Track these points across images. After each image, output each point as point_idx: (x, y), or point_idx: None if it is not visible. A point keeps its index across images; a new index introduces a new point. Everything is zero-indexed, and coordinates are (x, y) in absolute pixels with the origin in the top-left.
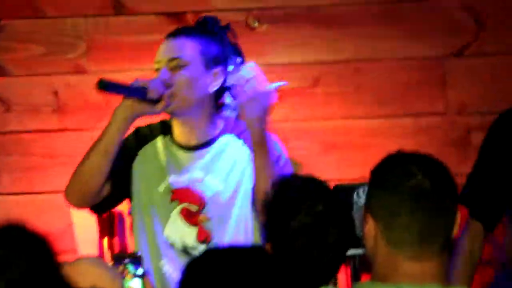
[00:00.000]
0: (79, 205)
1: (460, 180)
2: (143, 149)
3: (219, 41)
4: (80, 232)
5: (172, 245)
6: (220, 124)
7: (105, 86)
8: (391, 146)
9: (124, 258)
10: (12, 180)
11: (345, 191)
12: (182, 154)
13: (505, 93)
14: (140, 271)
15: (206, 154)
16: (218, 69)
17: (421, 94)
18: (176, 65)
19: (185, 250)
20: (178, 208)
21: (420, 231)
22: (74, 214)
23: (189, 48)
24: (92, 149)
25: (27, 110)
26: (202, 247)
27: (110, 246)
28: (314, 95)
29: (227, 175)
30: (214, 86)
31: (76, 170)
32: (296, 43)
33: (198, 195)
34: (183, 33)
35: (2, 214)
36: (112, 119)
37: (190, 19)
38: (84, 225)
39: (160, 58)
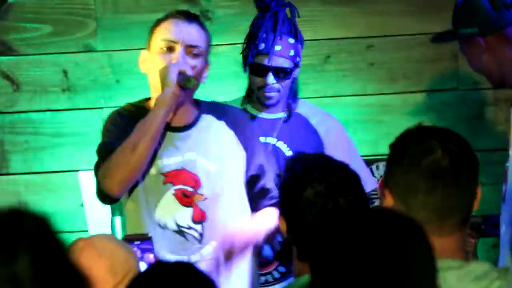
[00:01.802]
0: (120, 194)
1: None
2: None
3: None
4: (92, 212)
5: (164, 227)
6: (197, 104)
7: None
8: (403, 122)
9: (135, 240)
10: (23, 160)
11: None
12: (171, 135)
13: None
14: (151, 253)
15: (192, 134)
16: (209, 61)
17: (433, 70)
18: (193, 52)
19: (180, 231)
20: (172, 190)
21: (438, 208)
22: (85, 193)
23: (203, 40)
24: (140, 138)
25: (37, 90)
26: (198, 227)
27: (122, 226)
28: (325, 72)
29: (217, 156)
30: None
31: (121, 160)
32: (306, 20)
33: (193, 176)
34: (196, 20)
35: (12, 195)
36: (159, 107)
37: None
38: (95, 205)
39: (177, 39)
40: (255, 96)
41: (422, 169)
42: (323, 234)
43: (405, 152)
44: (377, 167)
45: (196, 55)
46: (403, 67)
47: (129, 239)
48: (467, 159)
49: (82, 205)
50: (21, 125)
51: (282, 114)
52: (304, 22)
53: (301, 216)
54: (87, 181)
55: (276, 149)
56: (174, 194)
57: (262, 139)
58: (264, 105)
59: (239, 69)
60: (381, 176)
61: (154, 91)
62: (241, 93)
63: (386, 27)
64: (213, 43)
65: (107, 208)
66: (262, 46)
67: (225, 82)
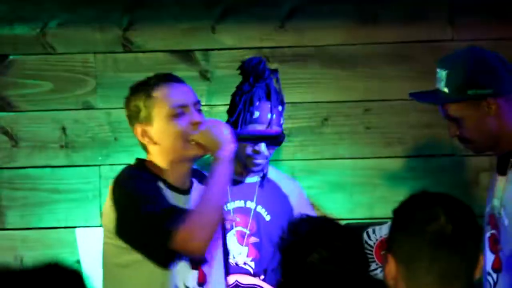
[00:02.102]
0: (203, 252)
1: None
2: None
3: None
4: (89, 268)
5: None
6: None
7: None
8: (399, 187)
9: None
10: (20, 216)
11: (354, 231)
12: (177, 197)
13: None
14: None
15: (191, 199)
16: None
17: (430, 135)
18: (199, 109)
19: None
20: None
21: (440, 276)
22: (82, 250)
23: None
24: (219, 196)
25: (35, 146)
26: None
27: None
28: (323, 134)
29: None
30: None
31: (207, 220)
32: (305, 82)
33: None
34: (181, 79)
35: (9, 250)
36: (226, 164)
37: (199, 57)
38: (92, 261)
39: (186, 100)
40: (239, 161)
41: (425, 237)
42: None
43: (410, 218)
44: (374, 231)
45: (200, 111)
46: (400, 131)
47: None
48: (471, 227)
49: (78, 261)
50: (19, 181)
51: (256, 178)
52: (303, 84)
53: (304, 280)
54: (85, 237)
55: (257, 214)
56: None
57: (241, 203)
58: (248, 171)
59: None
60: (377, 240)
61: (168, 156)
62: None
63: (383, 91)
64: (212, 103)
65: None
66: (257, 114)
67: None
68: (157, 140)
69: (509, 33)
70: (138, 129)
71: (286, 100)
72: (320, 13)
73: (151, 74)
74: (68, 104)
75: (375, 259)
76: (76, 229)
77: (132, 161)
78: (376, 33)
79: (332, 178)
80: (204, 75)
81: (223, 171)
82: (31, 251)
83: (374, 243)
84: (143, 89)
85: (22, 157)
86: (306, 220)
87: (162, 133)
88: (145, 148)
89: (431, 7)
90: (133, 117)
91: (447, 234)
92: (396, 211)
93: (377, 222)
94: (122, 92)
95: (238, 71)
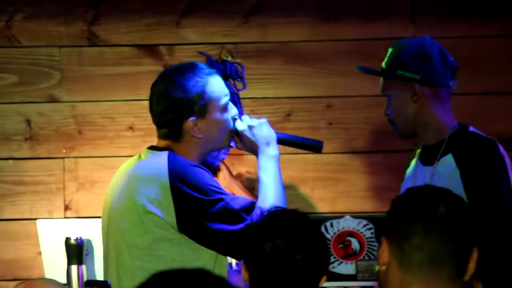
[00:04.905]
0: None
1: None
2: None
3: None
4: (49, 260)
5: None
6: None
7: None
8: (360, 182)
9: (94, 285)
10: None
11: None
12: None
13: None
14: None
15: None
16: None
17: (390, 131)
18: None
19: None
20: None
21: (430, 252)
22: (43, 241)
23: None
24: (279, 186)
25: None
26: None
27: (79, 274)
28: (285, 130)
29: None
30: None
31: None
32: (268, 78)
33: None
34: None
35: None
36: (274, 158)
37: (163, 52)
38: (52, 253)
39: (229, 95)
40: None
41: (420, 215)
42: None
43: (406, 203)
44: (332, 224)
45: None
46: (361, 127)
47: (88, 283)
48: (465, 216)
49: (40, 253)
50: None
51: None
52: (266, 79)
53: (260, 268)
54: (46, 229)
55: None
56: None
57: None
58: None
59: None
60: (334, 233)
61: (204, 147)
62: None
63: (345, 88)
64: None
65: (64, 256)
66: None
67: None
68: (205, 133)
69: (469, 32)
70: (190, 123)
71: (248, 95)
72: (284, 9)
73: (115, 68)
74: (33, 97)
75: (333, 252)
76: (37, 220)
77: (96, 154)
78: (339, 30)
79: (294, 173)
80: None
81: (273, 165)
82: None
83: (332, 237)
84: (194, 82)
85: None
86: (276, 211)
87: (214, 125)
88: (178, 139)
89: (393, 5)
90: (183, 110)
91: (440, 213)
92: (394, 200)
93: (337, 217)
94: (86, 86)
95: None
